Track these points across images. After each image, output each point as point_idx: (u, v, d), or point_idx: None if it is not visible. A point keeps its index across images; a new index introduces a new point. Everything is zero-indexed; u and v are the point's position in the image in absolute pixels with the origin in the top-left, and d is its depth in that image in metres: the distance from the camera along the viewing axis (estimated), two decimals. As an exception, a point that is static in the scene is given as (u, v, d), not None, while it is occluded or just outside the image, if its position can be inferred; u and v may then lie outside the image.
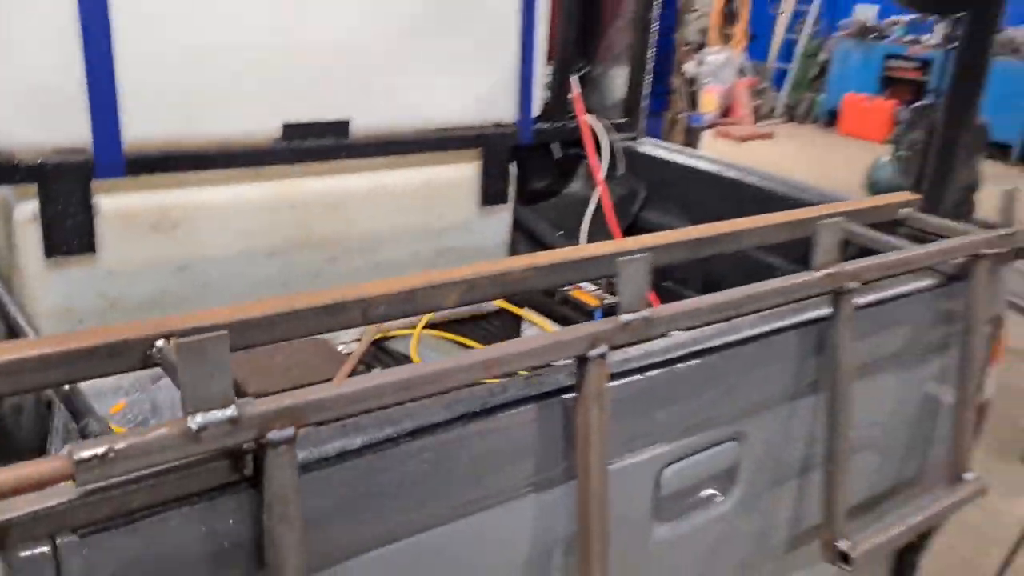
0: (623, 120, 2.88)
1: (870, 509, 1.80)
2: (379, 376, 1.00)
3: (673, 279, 2.51)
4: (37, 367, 1.03)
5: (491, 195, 2.63)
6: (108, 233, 2.02)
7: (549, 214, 2.81)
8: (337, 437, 1.04)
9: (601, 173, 2.73)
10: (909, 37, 10.54)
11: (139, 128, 2.00)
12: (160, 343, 1.09)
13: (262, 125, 2.20)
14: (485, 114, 2.59)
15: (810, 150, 9.75)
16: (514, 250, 2.73)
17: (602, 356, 1.16)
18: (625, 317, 1.18)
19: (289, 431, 0.91)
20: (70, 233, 1.97)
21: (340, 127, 2.32)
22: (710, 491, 1.46)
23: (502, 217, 2.69)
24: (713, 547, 1.53)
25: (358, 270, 2.39)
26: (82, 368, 1.07)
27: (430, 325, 2.49)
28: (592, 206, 2.73)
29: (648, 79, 2.92)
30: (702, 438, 1.42)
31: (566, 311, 2.36)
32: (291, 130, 2.24)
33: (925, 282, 1.75)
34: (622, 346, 1.20)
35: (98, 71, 1.92)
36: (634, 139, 2.87)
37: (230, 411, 0.87)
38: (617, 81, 3.00)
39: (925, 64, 10.10)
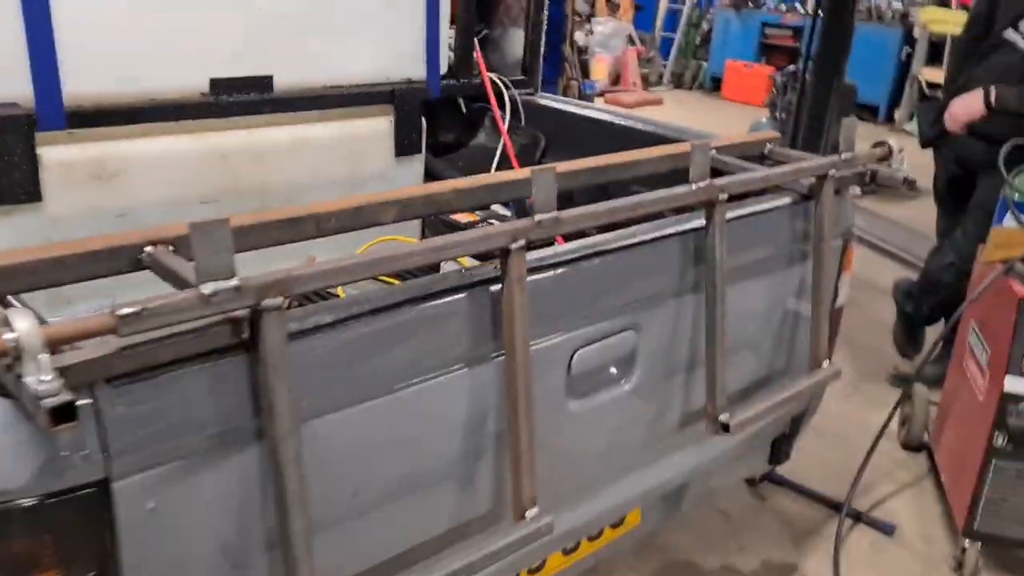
0: (522, 78, 3.14)
1: (749, 396, 2.12)
2: (346, 259, 1.23)
3: None
4: (46, 268, 1.22)
5: (404, 146, 2.85)
6: (52, 183, 2.16)
7: (458, 164, 3.05)
8: (313, 313, 1.27)
9: (505, 124, 2.98)
10: (784, 6, 11.13)
11: (77, 84, 2.15)
12: (149, 248, 1.30)
13: (191, 81, 2.37)
14: (397, 71, 2.80)
15: (697, 114, 10.22)
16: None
17: (521, 248, 1.42)
18: (538, 216, 1.44)
19: (279, 299, 1.14)
20: (16, 183, 2.11)
21: (264, 82, 2.50)
22: (614, 372, 1.75)
23: (415, 167, 2.92)
24: (618, 423, 1.82)
25: (285, 217, 2.58)
26: (84, 270, 1.27)
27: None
28: (498, 154, 2.98)
29: (542, 39, 3.18)
30: (604, 327, 1.70)
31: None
32: (218, 85, 2.41)
33: (783, 200, 2.07)
34: (536, 242, 1.46)
35: (38, 30, 2.05)
36: (532, 94, 3.14)
37: (234, 281, 1.09)
38: (514, 42, 3.25)
39: (799, 31, 10.69)
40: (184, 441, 1.15)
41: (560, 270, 1.58)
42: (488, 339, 1.48)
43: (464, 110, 3.13)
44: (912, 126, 9.80)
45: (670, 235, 1.78)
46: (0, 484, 1.03)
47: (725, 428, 1.83)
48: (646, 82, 11.36)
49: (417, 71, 2.84)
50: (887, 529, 3.13)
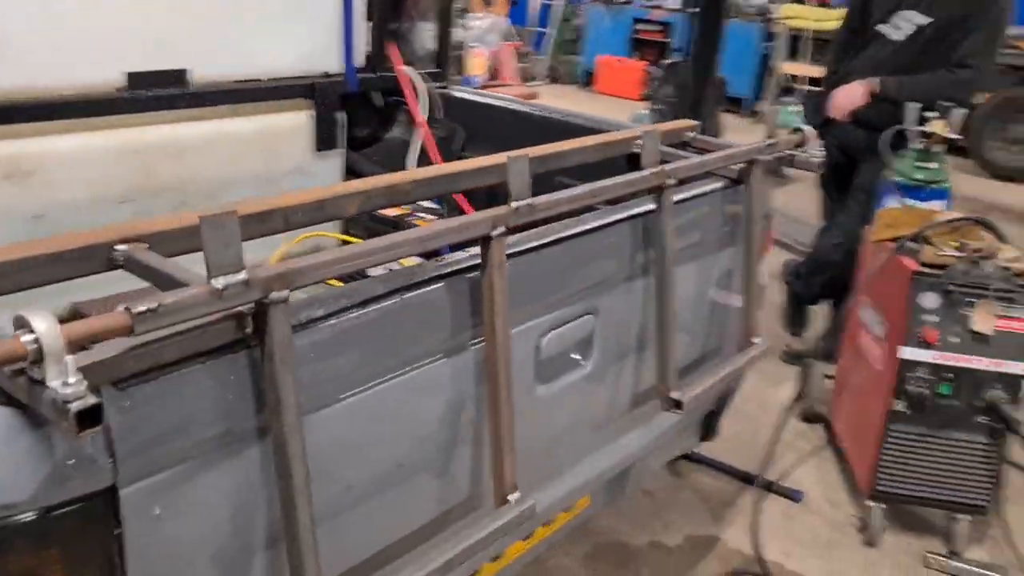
0: (435, 70, 3.14)
1: (690, 374, 2.19)
2: (341, 250, 1.21)
3: None
4: (8, 271, 1.15)
5: (324, 141, 2.81)
6: (-40, 183, 2.03)
7: (374, 158, 3.02)
8: (305, 307, 1.24)
9: (424, 117, 2.97)
10: (652, 2, 11.48)
11: (-15, 79, 2.02)
12: (121, 247, 1.25)
13: (106, 75, 2.25)
14: (314, 64, 2.75)
15: (575, 107, 10.41)
16: (347, 192, 2.92)
17: (502, 235, 1.43)
18: (515, 203, 1.46)
19: (285, 292, 1.11)
20: (-78, 184, 1.96)
21: (179, 76, 2.41)
22: (576, 357, 1.78)
23: (335, 162, 2.87)
24: (578, 405, 1.85)
25: (206, 215, 2.50)
26: (50, 272, 1.21)
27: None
28: (417, 147, 2.97)
29: (452, 31, 3.19)
30: (567, 312, 1.73)
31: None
32: (133, 79, 2.31)
33: (716, 184, 2.16)
34: (514, 228, 1.47)
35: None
36: (445, 87, 3.14)
37: (243, 275, 1.06)
38: (423, 35, 3.24)
39: (667, 26, 11.06)
40: (188, 443, 1.11)
41: (527, 258, 1.60)
42: (466, 328, 1.49)
43: (378, 104, 3.10)
44: (776, 118, 10.32)
45: (622, 220, 1.83)
46: (4, 498, 0.97)
47: (678, 405, 1.90)
48: (523, 77, 11.49)
49: (334, 64, 2.79)
50: (796, 497, 3.31)
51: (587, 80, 11.79)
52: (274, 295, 1.10)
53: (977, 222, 3.25)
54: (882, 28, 3.86)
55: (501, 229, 1.42)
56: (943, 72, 3.69)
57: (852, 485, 3.37)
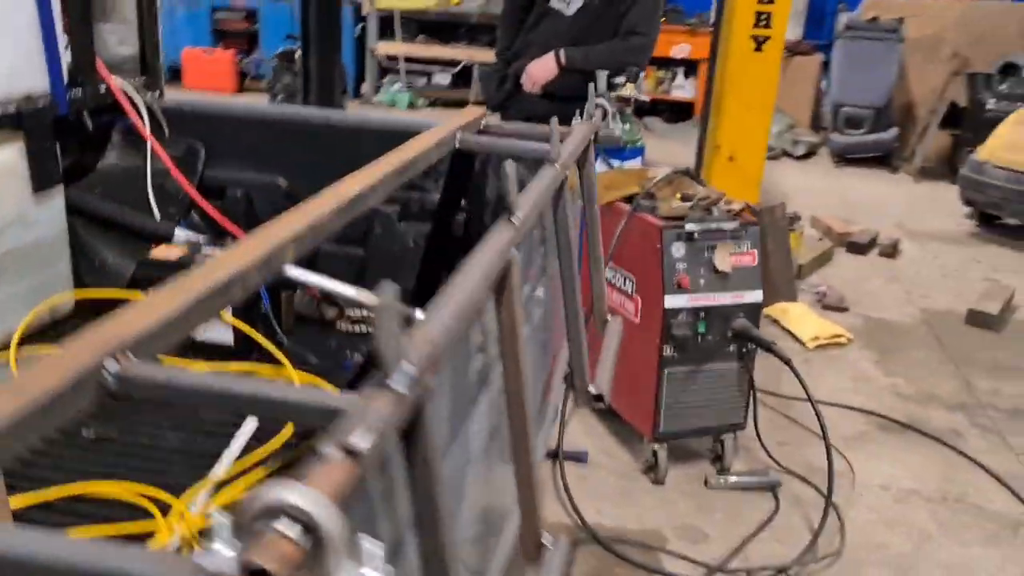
0: (144, 79, 2.67)
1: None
2: (444, 307, 0.97)
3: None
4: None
5: (42, 179, 2.24)
6: None
7: (102, 189, 2.50)
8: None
9: (150, 135, 2.51)
10: (229, -11, 10.90)
11: None
12: (109, 364, 0.90)
13: None
14: (14, 86, 2.18)
15: (169, 109, 9.59)
16: (73, 235, 2.39)
17: (516, 257, 1.26)
18: (515, 219, 1.29)
19: (433, 379, 0.87)
20: None
21: None
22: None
23: (56, 203, 2.32)
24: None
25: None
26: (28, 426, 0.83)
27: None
28: (150, 171, 2.51)
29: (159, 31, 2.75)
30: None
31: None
32: None
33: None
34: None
35: None
36: (161, 96, 2.69)
37: (411, 368, 0.80)
38: (110, 40, 2.73)
39: (251, 14, 10.59)
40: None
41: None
42: (479, 367, 1.30)
43: (91, 124, 2.55)
44: (379, 98, 10.46)
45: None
46: None
47: (599, 399, 1.85)
48: (98, 79, 10.29)
49: (38, 84, 2.24)
50: (583, 458, 3.44)
51: (173, 75, 10.87)
52: (427, 381, 0.85)
53: (684, 173, 3.60)
54: (554, 3, 4.04)
55: (515, 251, 1.25)
56: (617, 41, 3.98)
57: (618, 434, 3.58)
